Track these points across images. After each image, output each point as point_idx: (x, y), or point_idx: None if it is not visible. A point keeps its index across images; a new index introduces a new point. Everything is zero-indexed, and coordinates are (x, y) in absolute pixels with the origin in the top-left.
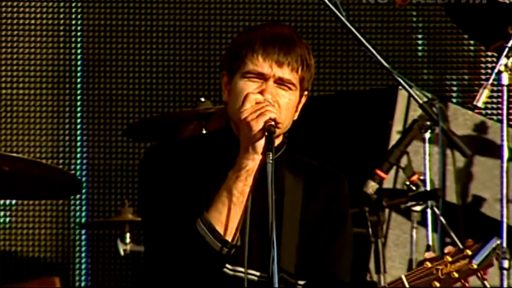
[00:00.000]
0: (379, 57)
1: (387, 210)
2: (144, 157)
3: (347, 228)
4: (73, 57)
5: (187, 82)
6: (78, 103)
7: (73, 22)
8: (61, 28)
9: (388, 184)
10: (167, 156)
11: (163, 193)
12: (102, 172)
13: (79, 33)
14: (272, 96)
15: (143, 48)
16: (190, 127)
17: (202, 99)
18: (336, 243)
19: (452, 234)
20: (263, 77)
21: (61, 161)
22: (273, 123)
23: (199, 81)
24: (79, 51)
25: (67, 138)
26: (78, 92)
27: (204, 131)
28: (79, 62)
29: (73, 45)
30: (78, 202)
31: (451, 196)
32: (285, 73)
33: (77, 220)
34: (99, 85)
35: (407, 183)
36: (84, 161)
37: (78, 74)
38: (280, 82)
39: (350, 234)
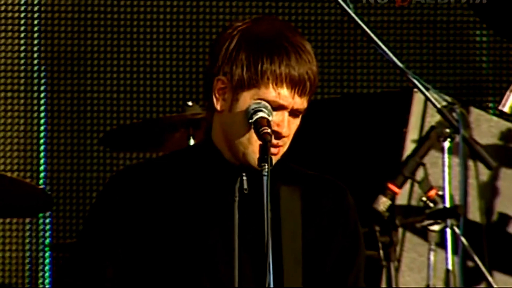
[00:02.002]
0: (391, 55)
1: (400, 230)
2: (101, 191)
3: (361, 243)
4: (35, 55)
5: (172, 83)
6: (48, 108)
7: (36, 9)
8: (22, 22)
9: (402, 200)
10: (124, 194)
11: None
12: (75, 186)
13: (42, 27)
14: (287, 129)
15: (122, 45)
16: (176, 135)
17: (190, 103)
18: (355, 263)
19: (475, 257)
20: (280, 107)
21: (28, 174)
22: (269, 130)
23: (186, 83)
24: (42, 48)
25: (35, 147)
26: (45, 95)
27: (192, 140)
28: (43, 61)
29: (35, 41)
30: (48, 220)
31: (474, 213)
32: (304, 103)
33: (46, 241)
34: (72, 87)
35: (424, 199)
36: (55, 174)
37: (42, 75)
38: (296, 111)
39: (364, 248)
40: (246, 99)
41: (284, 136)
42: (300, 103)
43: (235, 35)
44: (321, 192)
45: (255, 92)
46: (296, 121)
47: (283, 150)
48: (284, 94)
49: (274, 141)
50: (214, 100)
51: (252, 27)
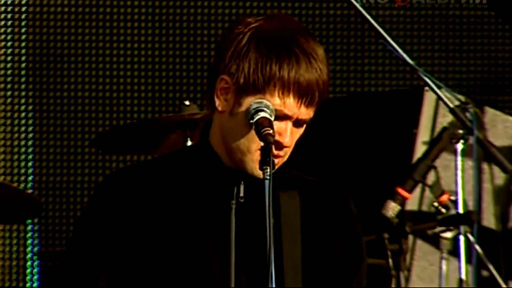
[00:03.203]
0: (401, 52)
1: (411, 237)
2: (91, 196)
3: (363, 254)
4: (23, 51)
5: (168, 81)
6: (36, 107)
7: (23, 4)
8: (8, 17)
9: (412, 205)
10: (115, 200)
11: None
12: (65, 191)
13: (30, 22)
14: (290, 140)
15: (115, 41)
16: (172, 137)
17: (187, 103)
18: (357, 274)
19: (490, 267)
20: (285, 117)
21: (15, 178)
22: (271, 131)
23: (183, 81)
24: (30, 44)
25: (22, 150)
26: (33, 94)
27: (189, 142)
28: (31, 58)
29: (23, 36)
30: (36, 227)
31: (489, 220)
32: (310, 113)
33: (35, 249)
34: (61, 85)
35: (435, 204)
36: (44, 178)
37: (30, 72)
38: (300, 121)
39: (366, 259)
40: (249, 103)
41: (285, 147)
42: (306, 113)
43: (246, 33)
44: (323, 200)
45: (259, 98)
46: (300, 131)
47: (282, 160)
48: (289, 104)
49: (275, 151)
50: (216, 99)
51: (264, 27)
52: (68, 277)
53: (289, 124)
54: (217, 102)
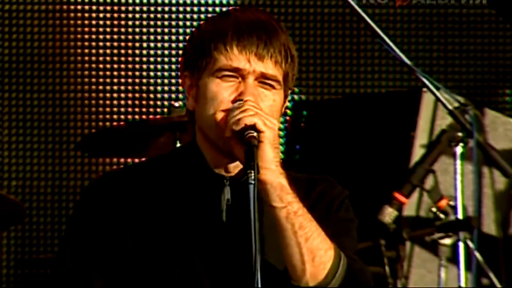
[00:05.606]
0: (398, 52)
1: (408, 244)
2: (78, 200)
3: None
4: (6, 51)
5: (157, 83)
6: (19, 109)
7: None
8: None
9: (409, 211)
10: (103, 203)
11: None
12: (50, 195)
13: (14, 20)
14: (254, 98)
15: (102, 40)
16: (161, 140)
17: (176, 104)
18: None
19: (490, 274)
20: (239, 73)
21: None
22: (255, 134)
23: (172, 81)
24: (14, 44)
25: (6, 153)
26: (17, 95)
27: (178, 145)
28: (14, 58)
29: (6, 36)
30: (20, 234)
31: (489, 226)
32: (268, 67)
33: (19, 256)
34: (46, 86)
35: (434, 209)
36: (27, 182)
37: (14, 73)
38: (262, 79)
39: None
40: (206, 80)
41: None
42: (265, 67)
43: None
44: (307, 192)
45: (210, 67)
46: (273, 96)
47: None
48: (236, 56)
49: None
50: (187, 101)
51: (208, 19)
52: (63, 281)
53: (248, 81)
54: (188, 103)
